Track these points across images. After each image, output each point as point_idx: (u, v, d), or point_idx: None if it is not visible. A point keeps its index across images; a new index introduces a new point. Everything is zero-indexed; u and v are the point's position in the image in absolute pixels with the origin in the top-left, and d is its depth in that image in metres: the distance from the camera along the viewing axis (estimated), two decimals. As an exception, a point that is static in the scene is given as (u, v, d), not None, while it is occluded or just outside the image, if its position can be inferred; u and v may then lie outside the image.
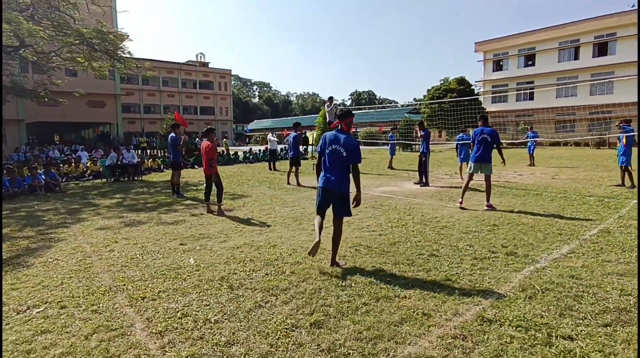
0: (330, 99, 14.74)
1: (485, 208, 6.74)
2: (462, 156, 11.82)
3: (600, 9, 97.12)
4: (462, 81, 38.95)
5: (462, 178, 11.56)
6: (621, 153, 9.63)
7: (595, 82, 34.94)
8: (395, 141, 16.56)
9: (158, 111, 55.87)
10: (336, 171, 4.04)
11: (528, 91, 40.69)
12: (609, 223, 5.72)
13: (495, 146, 6.60)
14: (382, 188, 9.98)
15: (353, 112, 4.32)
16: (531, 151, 16.04)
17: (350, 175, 4.06)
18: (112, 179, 12.75)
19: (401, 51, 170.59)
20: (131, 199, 8.84)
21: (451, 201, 7.78)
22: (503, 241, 4.85)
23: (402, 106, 54.95)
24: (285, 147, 22.66)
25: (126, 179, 12.97)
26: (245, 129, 73.87)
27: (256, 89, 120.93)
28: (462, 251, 4.48)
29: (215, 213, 6.90)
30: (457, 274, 3.76)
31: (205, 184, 7.30)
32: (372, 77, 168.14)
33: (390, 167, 15.50)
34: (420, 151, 10.42)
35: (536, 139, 16.69)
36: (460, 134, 12.08)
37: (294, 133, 10.98)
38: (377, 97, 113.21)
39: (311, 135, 27.40)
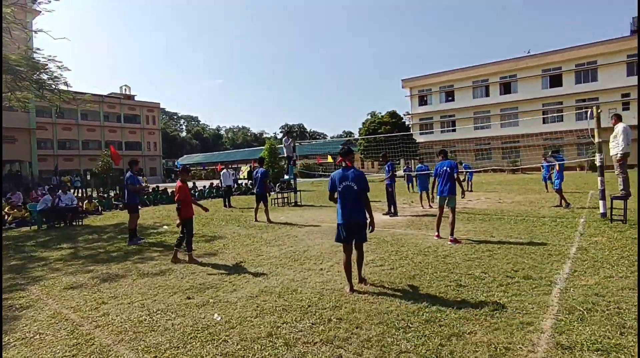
0: (288, 133, 14.77)
1: (450, 242, 6.62)
2: (420, 186, 12.53)
3: (502, 54, 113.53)
4: (393, 114, 41.89)
5: (422, 206, 12.16)
6: (556, 177, 10.99)
7: (505, 115, 40.21)
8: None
9: (76, 147, 50.73)
10: (353, 205, 4.41)
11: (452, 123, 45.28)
12: (579, 241, 6.40)
13: (455, 176, 6.72)
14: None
15: (351, 149, 4.74)
16: (470, 179, 17.88)
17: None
18: (46, 226, 11.02)
19: (329, 86, 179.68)
20: (86, 248, 7.67)
21: (429, 230, 8.08)
22: (510, 266, 5.11)
23: (354, 140, 57.08)
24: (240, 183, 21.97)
25: (62, 225, 11.31)
26: (176, 164, 70.27)
27: (183, 122, 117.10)
28: (482, 279, 4.60)
29: (185, 262, 6.13)
30: (497, 303, 3.83)
31: (182, 229, 6.37)
32: (302, 111, 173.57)
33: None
34: (386, 182, 10.78)
35: (470, 169, 18.58)
36: (419, 165, 12.83)
37: (261, 169, 10.67)
38: (307, 131, 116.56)
39: (246, 169, 26.45)
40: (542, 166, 15.86)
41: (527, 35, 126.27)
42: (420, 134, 47.83)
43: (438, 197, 6.93)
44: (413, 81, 48.16)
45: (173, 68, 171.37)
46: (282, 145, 14.67)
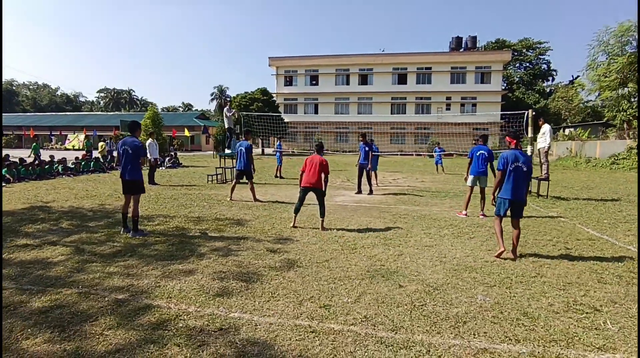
0: (230, 102, 13.17)
1: (480, 216, 7.68)
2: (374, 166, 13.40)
3: (362, 49, 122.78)
4: (265, 92, 41.49)
5: (377, 184, 13.02)
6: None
7: (361, 103, 45.40)
8: (282, 150, 16.35)
9: None
10: (522, 184, 4.88)
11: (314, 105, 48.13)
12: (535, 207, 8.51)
13: (490, 162, 8.11)
14: (335, 199, 10.15)
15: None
16: (439, 163, 18.87)
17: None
18: None
19: (163, 52, 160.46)
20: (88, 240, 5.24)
21: (420, 205, 9.08)
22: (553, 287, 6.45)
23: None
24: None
25: None
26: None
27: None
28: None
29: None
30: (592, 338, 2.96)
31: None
32: (130, 76, 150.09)
33: (279, 176, 15.34)
34: (360, 161, 11.17)
35: (443, 152, 19.87)
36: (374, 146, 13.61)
37: (245, 141, 9.34)
38: (137, 98, 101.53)
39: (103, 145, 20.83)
40: (434, 152, 19.23)
41: (380, 34, 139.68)
42: (285, 113, 49.08)
43: (471, 176, 7.84)
44: (280, 60, 48.53)
45: None
46: (224, 115, 12.90)
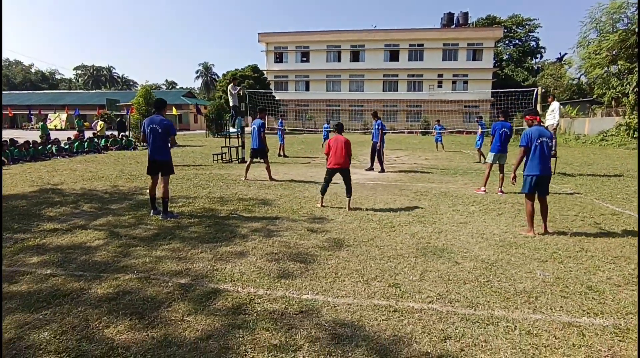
0: (234, 80, 12.74)
1: (499, 193, 7.74)
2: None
3: (353, 24, 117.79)
4: (255, 69, 40.43)
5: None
6: (478, 139, 13.80)
7: (353, 80, 44.84)
8: (284, 128, 16.04)
9: None
10: (547, 160, 4.91)
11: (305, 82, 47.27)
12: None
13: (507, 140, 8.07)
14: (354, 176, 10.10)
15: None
16: (439, 140, 19.01)
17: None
18: None
19: (146, 28, 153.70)
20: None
21: (435, 182, 9.13)
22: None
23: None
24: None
25: None
26: None
27: None
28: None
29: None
30: None
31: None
32: (111, 52, 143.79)
33: (283, 154, 15.14)
34: (373, 139, 11.09)
35: (443, 131, 20.05)
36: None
37: (258, 119, 9.09)
38: (119, 76, 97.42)
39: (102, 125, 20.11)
40: (434, 129, 19.24)
41: (371, 10, 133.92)
42: (275, 90, 48.14)
43: (492, 154, 7.84)
44: (270, 36, 47.18)
45: None
46: (228, 94, 12.49)
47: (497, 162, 7.91)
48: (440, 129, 19.16)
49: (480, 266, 3.94)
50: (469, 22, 46.97)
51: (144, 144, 5.17)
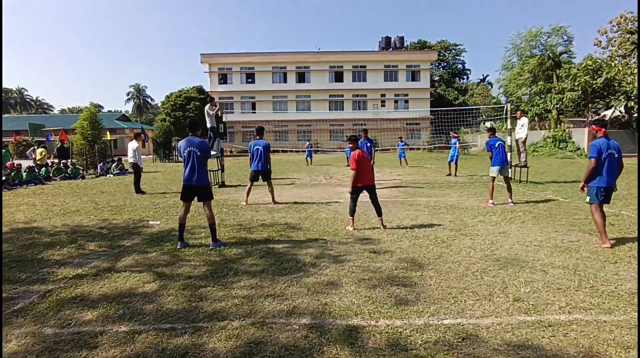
0: (212, 100, 12.06)
1: (510, 204, 7.98)
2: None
3: (297, 46, 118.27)
4: (201, 90, 39.09)
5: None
6: (453, 154, 14.60)
7: (299, 101, 45.33)
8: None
9: None
10: (616, 171, 5.00)
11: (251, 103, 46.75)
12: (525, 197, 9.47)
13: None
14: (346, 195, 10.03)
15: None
16: (403, 156, 19.54)
17: None
18: None
19: (63, 46, 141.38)
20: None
21: (433, 196, 9.47)
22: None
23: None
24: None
25: None
26: None
27: None
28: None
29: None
30: None
31: None
32: (22, 73, 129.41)
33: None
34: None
35: (406, 146, 20.71)
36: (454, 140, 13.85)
37: (262, 140, 8.64)
38: (32, 99, 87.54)
39: (42, 151, 17.91)
40: (397, 146, 20.05)
41: (313, 33, 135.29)
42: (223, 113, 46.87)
43: (496, 167, 8.24)
44: (213, 57, 46.13)
45: None
46: (205, 115, 11.75)
47: (501, 174, 8.29)
48: (403, 146, 20.00)
49: (567, 273, 4.05)
50: (405, 45, 50.60)
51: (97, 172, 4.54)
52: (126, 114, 58.49)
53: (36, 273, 4.28)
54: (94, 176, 17.62)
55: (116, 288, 3.80)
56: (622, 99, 25.20)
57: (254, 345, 2.67)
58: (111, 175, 17.56)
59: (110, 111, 79.14)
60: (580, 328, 2.87)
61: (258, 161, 8.50)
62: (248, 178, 8.89)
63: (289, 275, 4.08)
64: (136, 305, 3.41)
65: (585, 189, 5.17)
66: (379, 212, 6.17)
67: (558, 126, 26.95)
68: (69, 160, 18.66)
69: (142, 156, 12.23)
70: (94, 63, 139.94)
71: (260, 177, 8.67)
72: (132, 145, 10.92)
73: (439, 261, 4.47)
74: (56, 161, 18.22)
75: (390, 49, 49.51)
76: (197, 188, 5.05)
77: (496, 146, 8.24)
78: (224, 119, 13.80)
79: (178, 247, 5.14)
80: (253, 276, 4.04)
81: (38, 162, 16.24)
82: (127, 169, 19.47)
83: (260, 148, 8.51)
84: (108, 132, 34.54)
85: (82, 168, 17.61)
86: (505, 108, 11.92)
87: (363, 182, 6.13)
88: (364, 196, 6.30)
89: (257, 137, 8.72)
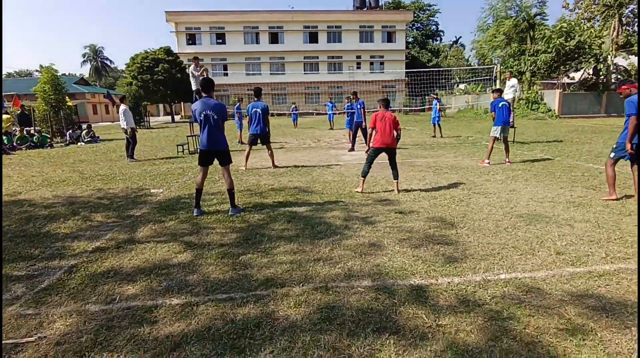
0: (196, 59, 11.27)
1: (507, 163, 8.26)
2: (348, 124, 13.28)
3: (270, 5, 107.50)
4: (169, 51, 36.58)
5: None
6: (435, 115, 14.69)
7: (273, 63, 43.64)
8: (242, 112, 14.93)
9: None
10: None
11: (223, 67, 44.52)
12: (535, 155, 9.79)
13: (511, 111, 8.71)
14: (343, 158, 9.97)
15: None
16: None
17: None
18: None
19: None
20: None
21: (428, 157, 9.58)
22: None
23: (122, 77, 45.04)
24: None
25: None
26: None
27: None
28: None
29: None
30: None
31: None
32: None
33: (242, 142, 14.29)
34: (356, 120, 11.01)
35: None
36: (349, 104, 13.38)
37: (261, 102, 8.22)
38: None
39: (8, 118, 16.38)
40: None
41: None
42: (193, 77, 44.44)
43: (498, 127, 8.33)
44: (179, 15, 42.89)
45: None
46: (190, 76, 10.98)
47: (502, 134, 8.40)
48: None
49: (591, 226, 4.21)
50: (379, 4, 49.10)
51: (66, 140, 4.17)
52: (85, 78, 54.09)
53: (49, 248, 3.96)
54: (62, 144, 16.43)
55: (147, 260, 3.59)
56: (592, 62, 25.98)
57: (327, 310, 2.60)
58: (82, 143, 16.44)
59: (65, 74, 73.09)
60: (628, 276, 3.00)
61: (257, 124, 8.14)
62: (246, 143, 8.56)
63: (326, 238, 4.00)
64: (178, 276, 3.23)
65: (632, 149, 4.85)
66: (395, 175, 6.09)
67: (531, 87, 27.62)
68: (32, 128, 17.26)
69: (99, 122, 11.51)
70: (38, 20, 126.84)
71: (259, 140, 8.35)
72: (123, 109, 10.21)
73: (467, 220, 4.52)
74: (17, 128, 16.79)
75: (365, 9, 47.94)
76: (216, 152, 4.77)
77: (499, 106, 8.30)
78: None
79: (194, 214, 4.91)
80: (290, 241, 3.92)
81: (3, 130, 14.86)
82: (98, 137, 18.31)
83: (258, 110, 8.12)
84: (67, 98, 32.17)
85: (49, 136, 16.32)
86: (494, 70, 11.97)
87: (379, 144, 5.99)
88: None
89: (255, 99, 8.31)
